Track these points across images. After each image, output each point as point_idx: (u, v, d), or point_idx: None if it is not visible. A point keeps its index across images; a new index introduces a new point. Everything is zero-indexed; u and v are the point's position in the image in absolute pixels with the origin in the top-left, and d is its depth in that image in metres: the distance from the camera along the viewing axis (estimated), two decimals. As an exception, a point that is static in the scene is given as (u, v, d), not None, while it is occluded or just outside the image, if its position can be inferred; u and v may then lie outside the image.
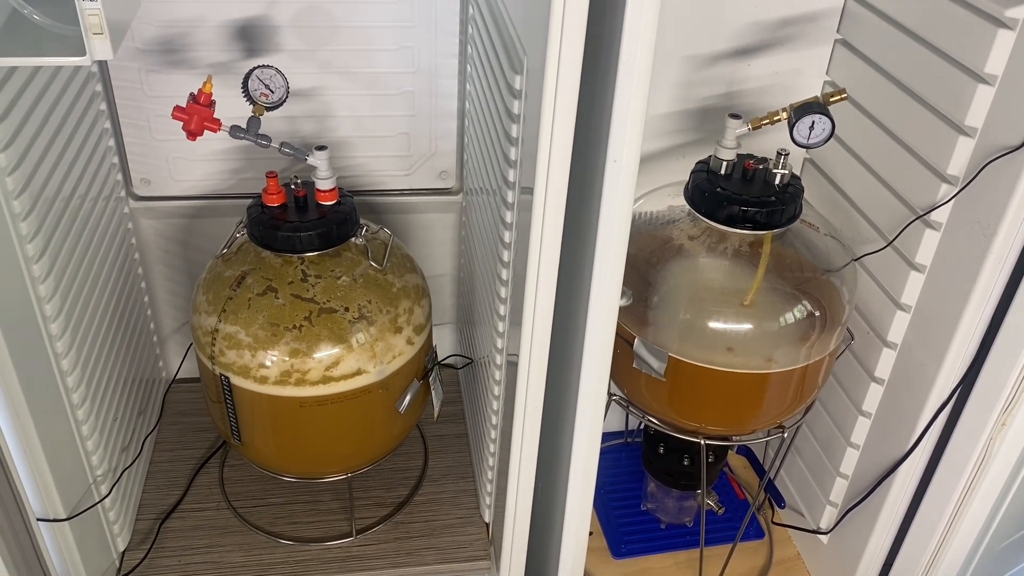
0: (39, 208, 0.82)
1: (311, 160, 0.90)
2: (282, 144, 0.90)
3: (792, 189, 0.92)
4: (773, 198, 0.91)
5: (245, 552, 1.05)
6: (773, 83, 1.08)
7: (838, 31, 1.05)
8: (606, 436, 1.19)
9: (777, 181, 0.92)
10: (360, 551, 1.05)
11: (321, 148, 0.90)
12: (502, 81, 0.81)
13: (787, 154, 0.91)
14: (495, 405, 0.95)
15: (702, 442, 1.02)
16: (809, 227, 0.97)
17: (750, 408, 0.99)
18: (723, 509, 1.16)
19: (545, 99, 0.67)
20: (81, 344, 0.91)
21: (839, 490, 1.12)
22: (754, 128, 0.91)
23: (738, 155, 0.93)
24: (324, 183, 0.91)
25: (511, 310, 0.86)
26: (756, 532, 1.27)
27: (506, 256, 0.84)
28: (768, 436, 1.05)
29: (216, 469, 1.15)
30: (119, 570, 1.02)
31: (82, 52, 0.65)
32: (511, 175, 0.80)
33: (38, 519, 0.87)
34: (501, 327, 0.89)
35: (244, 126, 0.89)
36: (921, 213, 0.91)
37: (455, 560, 1.05)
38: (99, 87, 1.01)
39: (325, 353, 0.90)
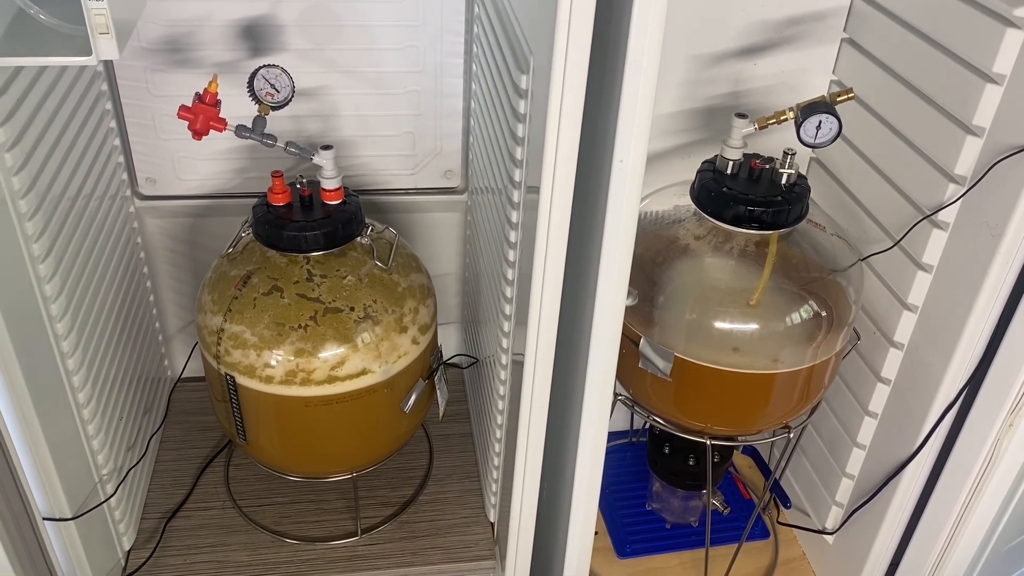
0: (45, 207, 0.83)
1: (316, 159, 0.90)
2: (287, 143, 0.90)
3: (798, 189, 0.92)
4: (779, 198, 0.91)
5: (250, 551, 1.05)
6: (779, 82, 1.07)
7: (845, 30, 1.04)
8: (611, 436, 1.19)
9: (783, 181, 0.92)
10: (365, 551, 1.05)
11: (326, 147, 0.89)
12: (508, 80, 0.81)
13: (794, 154, 0.91)
14: (500, 405, 0.95)
15: (707, 442, 1.02)
16: (815, 227, 0.97)
17: (756, 408, 0.99)
18: (728, 509, 1.16)
19: (551, 99, 0.67)
20: (86, 343, 0.91)
21: (845, 490, 1.12)
22: (760, 127, 0.90)
23: (744, 154, 0.93)
24: (329, 182, 0.91)
25: (516, 310, 0.86)
26: (761, 532, 1.26)
27: (512, 256, 0.84)
28: (774, 436, 1.04)
29: (221, 468, 1.15)
30: (124, 569, 1.03)
31: (88, 52, 0.65)
32: (517, 174, 0.79)
33: (44, 518, 0.87)
34: (506, 327, 0.89)
35: (249, 125, 0.89)
36: (928, 213, 0.90)
37: (460, 560, 1.05)
38: (105, 86, 1.01)
39: (330, 353, 0.90)
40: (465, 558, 1.05)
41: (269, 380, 0.91)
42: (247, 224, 0.95)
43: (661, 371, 0.95)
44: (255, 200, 0.94)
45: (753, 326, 0.93)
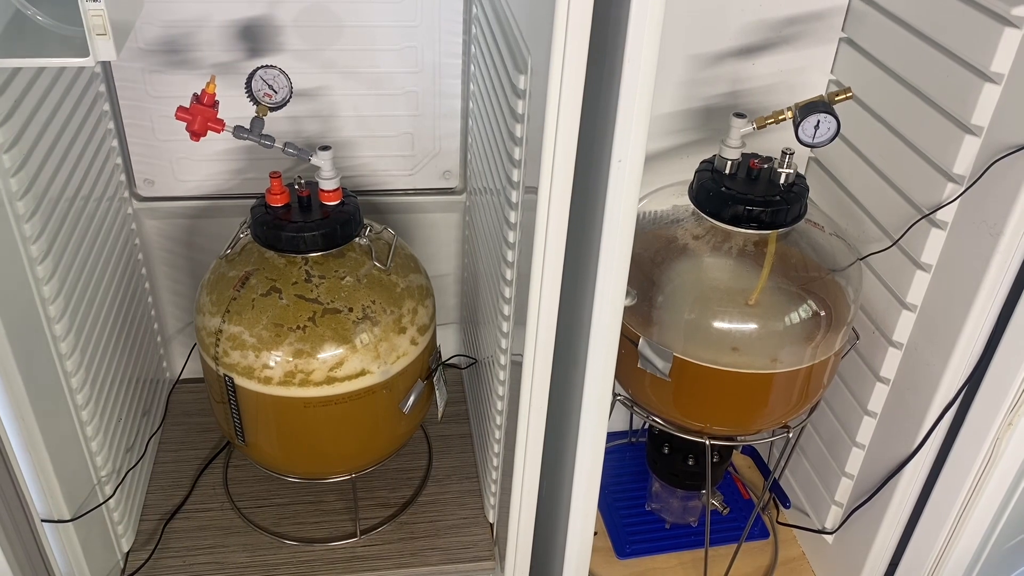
0: (43, 209, 0.82)
1: (315, 160, 0.90)
2: (285, 144, 0.90)
3: (797, 188, 0.92)
4: (778, 197, 0.91)
5: (249, 553, 1.05)
6: (778, 82, 1.07)
7: (843, 30, 1.04)
8: (611, 436, 1.19)
9: (782, 180, 0.92)
10: (364, 551, 1.05)
11: (325, 148, 0.89)
12: (506, 81, 0.81)
13: (792, 153, 0.91)
14: (499, 405, 0.95)
15: (707, 442, 1.02)
16: (814, 226, 0.97)
17: (755, 408, 0.99)
18: (728, 509, 1.16)
19: (549, 99, 0.67)
20: (85, 345, 0.91)
21: (844, 490, 1.12)
22: (759, 127, 0.90)
23: (743, 154, 0.93)
24: (328, 183, 0.91)
25: (515, 310, 0.86)
26: (761, 532, 1.26)
27: (510, 256, 0.84)
28: (773, 436, 1.05)
29: (220, 469, 1.15)
30: (123, 571, 1.02)
31: (85, 53, 0.65)
32: (515, 175, 0.79)
33: (42, 520, 0.87)
34: (505, 327, 0.89)
35: (248, 126, 0.89)
36: (927, 212, 0.90)
37: (460, 560, 1.05)
38: (103, 88, 1.01)
39: (329, 354, 0.90)
40: (464, 559, 1.05)
41: (268, 381, 0.90)
42: (245, 225, 0.95)
43: (660, 371, 0.95)
44: (253, 201, 0.94)
45: (752, 326, 0.93)
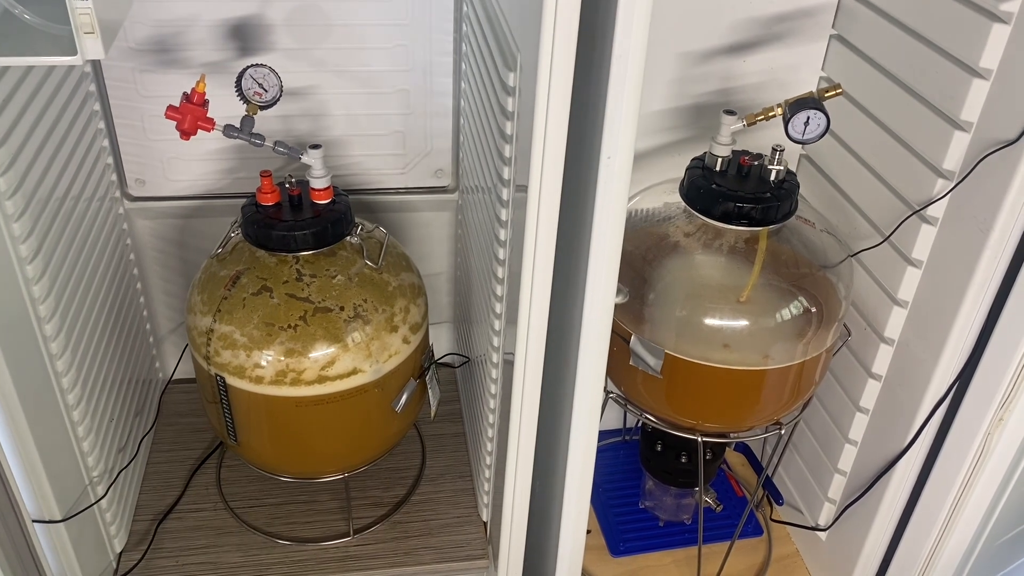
0: (32, 209, 0.82)
1: (305, 159, 0.90)
2: (276, 143, 0.90)
3: (788, 185, 0.92)
4: (768, 194, 0.91)
5: (243, 553, 1.04)
6: (769, 79, 1.07)
7: (833, 26, 1.05)
8: (605, 434, 1.19)
9: (772, 177, 0.92)
10: (358, 551, 1.05)
11: (315, 147, 0.89)
12: (496, 78, 0.81)
13: (782, 150, 0.91)
14: (492, 404, 0.95)
15: (699, 439, 1.02)
16: (805, 223, 0.97)
17: (747, 405, 0.99)
18: (721, 506, 1.16)
19: (538, 95, 0.67)
20: (76, 345, 0.91)
21: (837, 487, 1.12)
22: (749, 124, 0.90)
23: (733, 151, 0.93)
24: (318, 182, 0.91)
25: (507, 308, 0.86)
26: (755, 529, 1.26)
27: (502, 254, 0.84)
28: (766, 433, 1.05)
29: (213, 470, 1.15)
30: (116, 571, 1.02)
31: (73, 52, 0.65)
32: (506, 172, 0.79)
33: (33, 521, 0.87)
34: (497, 325, 0.89)
35: (238, 125, 0.89)
36: (917, 208, 0.90)
37: (453, 559, 1.05)
38: (93, 87, 1.01)
39: (320, 353, 0.89)
40: (458, 557, 1.05)
41: (259, 380, 0.90)
42: (236, 224, 0.95)
43: (652, 368, 0.95)
44: (244, 200, 0.94)
45: (743, 323, 0.93)
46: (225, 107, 0.88)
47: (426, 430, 1.21)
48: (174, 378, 1.26)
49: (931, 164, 0.89)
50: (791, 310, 0.93)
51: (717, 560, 1.19)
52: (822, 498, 1.15)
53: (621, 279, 0.78)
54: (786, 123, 0.87)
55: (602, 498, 1.29)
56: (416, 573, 1.04)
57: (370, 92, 1.08)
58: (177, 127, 0.85)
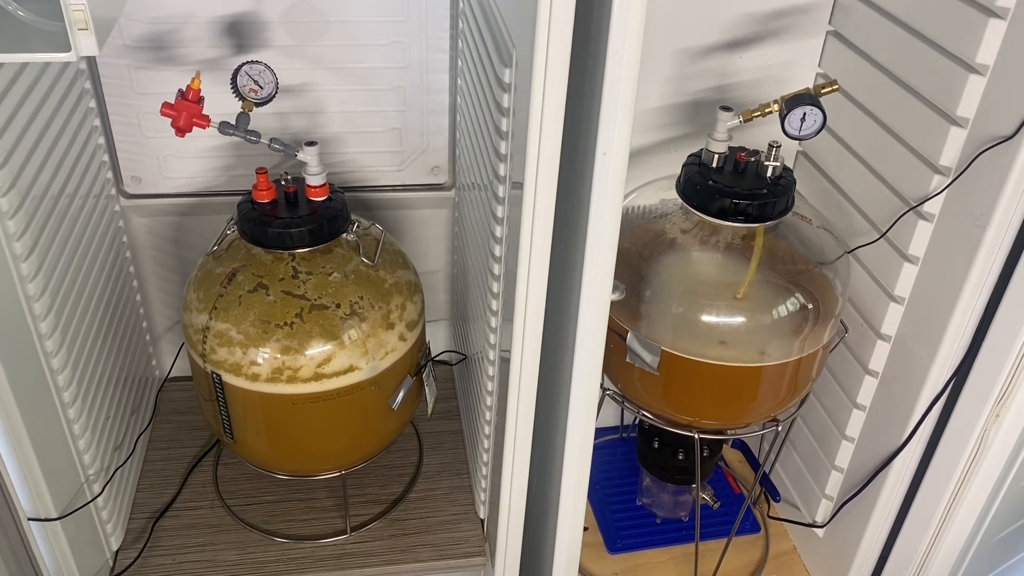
0: (27, 206, 0.82)
1: (301, 156, 0.90)
2: (272, 140, 0.90)
3: (784, 181, 0.92)
4: (765, 191, 0.91)
5: (239, 550, 1.04)
6: (765, 75, 1.07)
7: (830, 23, 1.04)
8: (601, 431, 1.19)
9: (769, 173, 0.92)
10: (355, 548, 1.05)
11: (311, 144, 0.89)
12: (492, 75, 0.81)
13: (779, 146, 0.91)
14: (489, 401, 0.95)
15: (696, 436, 1.02)
16: (802, 219, 0.97)
17: (744, 401, 0.99)
18: (718, 503, 1.16)
19: (534, 91, 0.67)
20: (71, 343, 0.91)
21: (834, 483, 1.12)
22: (745, 120, 0.90)
23: (730, 148, 0.93)
24: (314, 179, 0.91)
25: (503, 305, 0.86)
26: (752, 526, 1.27)
27: (498, 251, 0.84)
28: (763, 430, 1.05)
29: (210, 467, 1.15)
30: (112, 569, 1.02)
31: (67, 48, 0.65)
32: (502, 169, 0.79)
33: (29, 519, 0.86)
34: (494, 323, 0.89)
35: (234, 122, 0.88)
36: (914, 204, 0.90)
37: (450, 556, 1.05)
38: (88, 84, 1.01)
39: (317, 350, 0.89)
40: (455, 555, 1.05)
41: (255, 378, 0.90)
42: (232, 221, 0.95)
43: (649, 365, 0.95)
44: (240, 197, 0.93)
45: (740, 319, 0.93)
46: (221, 104, 0.88)
47: (423, 427, 1.21)
48: (170, 376, 1.26)
49: (927, 160, 0.88)
50: (788, 307, 0.93)
51: (714, 557, 1.19)
52: (819, 495, 1.15)
53: (617, 276, 0.78)
54: (782, 119, 0.87)
55: (599, 495, 1.29)
56: (413, 570, 1.04)
57: (366, 89, 1.07)
58: (172, 124, 0.85)
